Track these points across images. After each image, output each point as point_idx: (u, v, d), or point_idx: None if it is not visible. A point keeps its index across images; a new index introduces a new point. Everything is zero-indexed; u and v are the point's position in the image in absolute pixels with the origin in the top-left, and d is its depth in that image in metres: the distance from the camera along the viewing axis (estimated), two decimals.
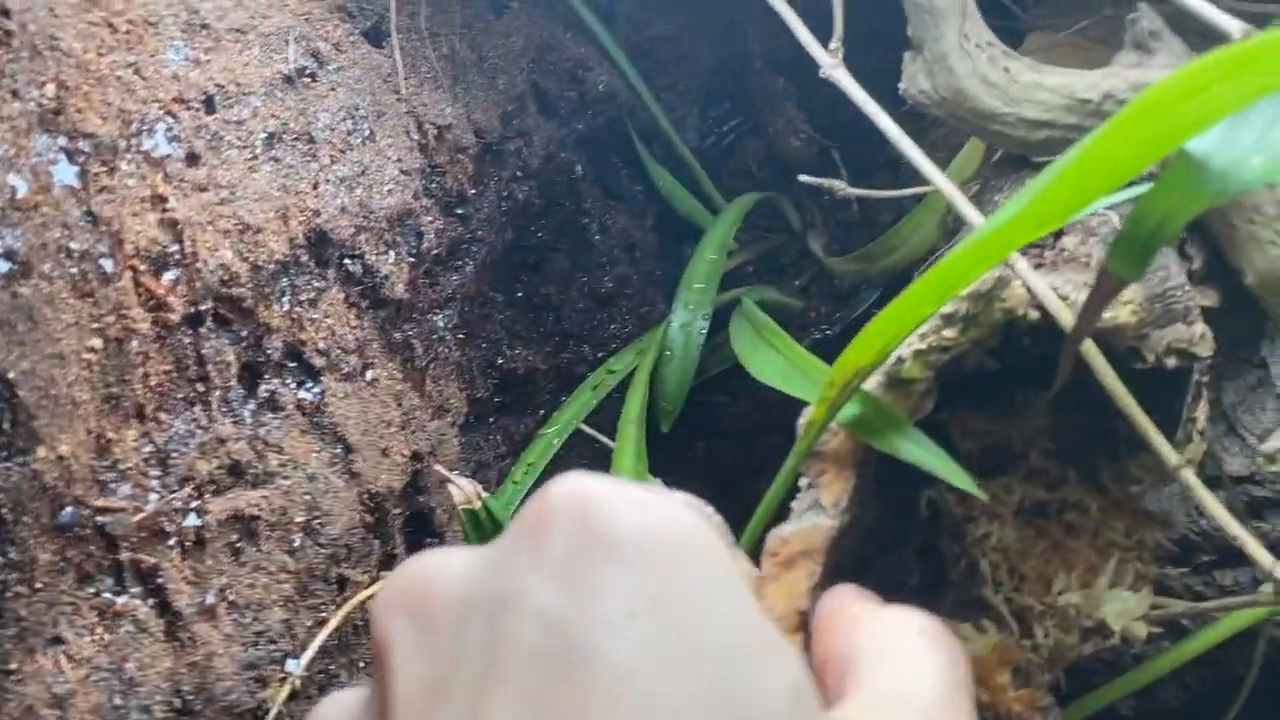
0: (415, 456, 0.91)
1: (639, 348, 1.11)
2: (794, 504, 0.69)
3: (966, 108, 0.78)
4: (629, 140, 1.24)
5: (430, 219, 0.91)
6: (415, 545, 0.95)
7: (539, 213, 1.09)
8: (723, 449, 1.21)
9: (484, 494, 0.84)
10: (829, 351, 1.25)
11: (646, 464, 0.94)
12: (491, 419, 1.07)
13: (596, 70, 1.13)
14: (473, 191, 0.97)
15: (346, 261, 0.84)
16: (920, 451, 0.62)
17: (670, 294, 1.19)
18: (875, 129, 0.88)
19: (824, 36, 0.82)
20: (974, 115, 0.79)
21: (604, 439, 1.02)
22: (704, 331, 1.07)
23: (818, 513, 0.66)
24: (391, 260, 0.87)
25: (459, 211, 0.97)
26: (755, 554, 0.67)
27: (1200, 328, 0.76)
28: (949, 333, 0.69)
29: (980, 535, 0.80)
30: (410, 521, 0.93)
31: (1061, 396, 0.79)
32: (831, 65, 0.77)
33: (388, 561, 0.90)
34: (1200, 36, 0.74)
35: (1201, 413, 0.81)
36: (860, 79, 0.81)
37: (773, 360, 0.84)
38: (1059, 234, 0.80)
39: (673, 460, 1.19)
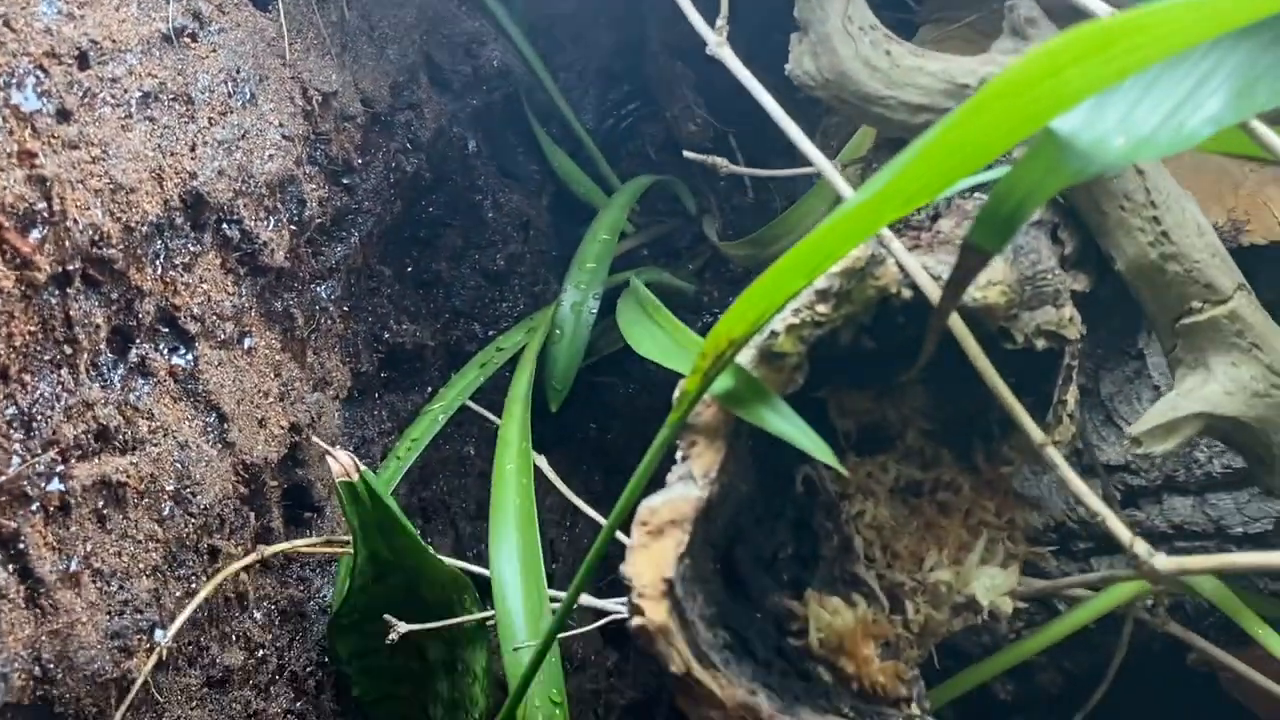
0: (294, 428, 0.89)
1: (529, 326, 1.10)
2: (669, 475, 0.69)
3: (850, 90, 0.79)
4: (525, 118, 1.24)
5: (313, 187, 0.89)
6: (293, 520, 0.94)
7: (430, 187, 1.08)
8: (613, 429, 1.22)
9: (362, 468, 0.83)
10: None
11: (530, 441, 0.94)
12: (377, 394, 1.06)
13: (491, 46, 1.12)
14: (359, 161, 0.96)
15: (224, 226, 0.82)
16: (786, 425, 0.63)
17: (563, 274, 1.19)
18: (771, 116, 0.89)
19: (715, 18, 0.82)
20: (857, 98, 0.80)
21: (490, 416, 1.02)
22: (594, 311, 1.07)
23: (688, 483, 0.66)
24: (271, 227, 0.85)
25: (344, 181, 0.95)
26: (629, 524, 0.67)
27: (1069, 311, 0.78)
28: (822, 308, 0.69)
29: (855, 513, 0.81)
30: (288, 495, 0.92)
31: (938, 377, 0.81)
32: (716, 44, 0.77)
33: (264, 534, 0.89)
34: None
35: (1071, 395, 0.83)
36: (757, 66, 0.81)
37: (655, 335, 0.84)
38: (935, 217, 0.81)
39: (562, 439, 1.19)
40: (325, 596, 0.94)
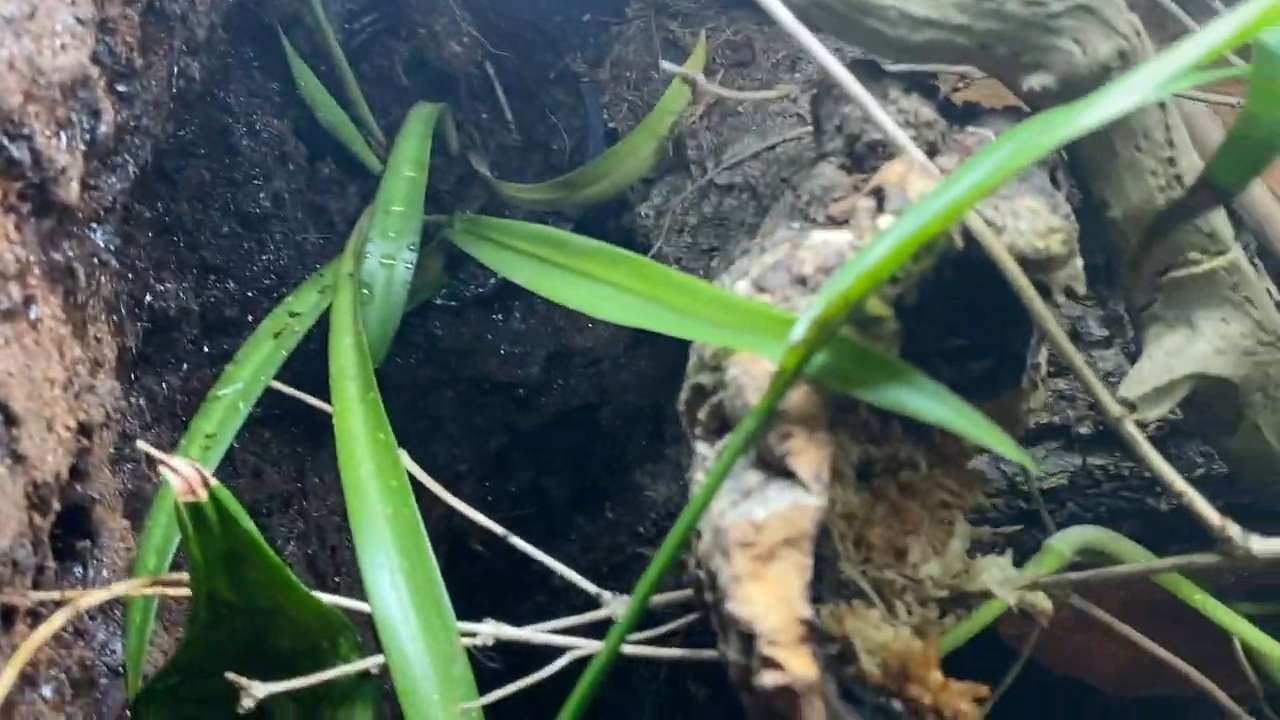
0: (84, 429, 0.64)
1: (322, 283, 0.88)
2: (735, 482, 0.53)
3: None
4: (271, 27, 0.99)
5: (103, 94, 0.64)
6: (66, 552, 0.68)
7: (191, 103, 0.83)
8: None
9: (214, 483, 0.60)
10: (518, 294, 1.09)
11: (390, 431, 0.74)
12: (133, 375, 0.80)
13: None
14: (140, 63, 0.71)
15: (7, 143, 0.56)
16: (943, 409, 0.49)
17: (319, 219, 0.97)
18: (549, 39, 0.74)
19: None
20: (847, 5, 0.66)
21: (312, 400, 0.80)
22: (411, 265, 0.87)
23: (792, 488, 0.51)
24: (64, 146, 0.59)
25: (122, 89, 0.70)
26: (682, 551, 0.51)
27: (1080, 262, 0.70)
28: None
29: (829, 501, 0.68)
30: (61, 519, 0.66)
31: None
32: None
33: (38, 575, 0.63)
34: None
35: (1043, 357, 0.75)
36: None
37: (598, 287, 0.66)
38: (933, 154, 0.70)
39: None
40: (115, 654, 0.70)
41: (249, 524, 0.62)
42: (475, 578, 1.09)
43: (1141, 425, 0.81)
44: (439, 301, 1.01)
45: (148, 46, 0.72)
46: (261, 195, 0.91)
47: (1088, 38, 0.65)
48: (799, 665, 0.47)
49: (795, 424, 0.52)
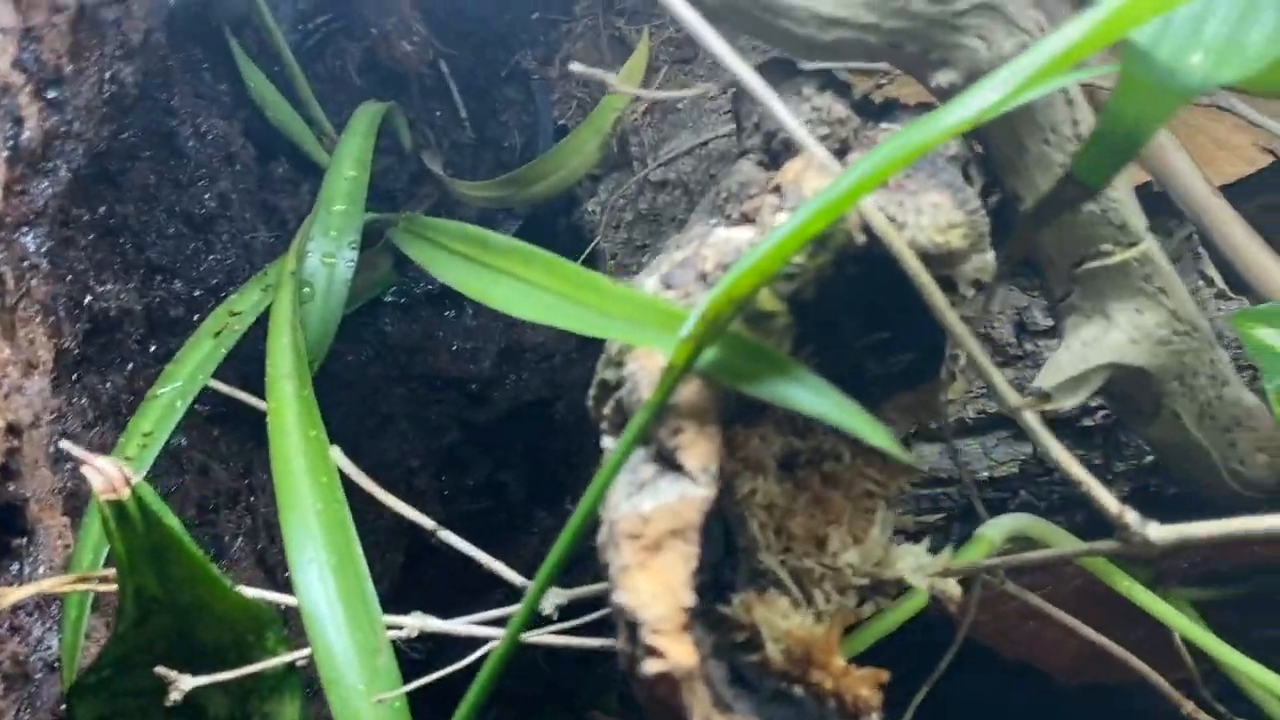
0: (12, 429, 0.66)
1: (265, 282, 0.89)
2: (632, 475, 0.55)
3: None
4: (218, 28, 1.01)
5: (28, 100, 0.65)
6: (1, 552, 0.70)
7: (130, 106, 0.85)
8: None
9: (135, 479, 0.62)
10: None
11: (322, 429, 0.75)
12: (75, 376, 0.82)
13: None
14: (70, 69, 0.72)
15: None
16: (822, 402, 0.51)
17: (269, 217, 0.98)
18: (499, 36, 0.75)
19: None
20: (759, 7, 0.68)
21: (246, 397, 0.81)
22: (352, 263, 0.88)
23: (680, 480, 0.52)
24: None
25: (52, 95, 0.71)
26: (588, 537, 0.53)
27: (991, 254, 0.71)
28: (798, 258, 0.58)
29: (747, 491, 0.70)
30: None
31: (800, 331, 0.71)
32: None
33: None
34: None
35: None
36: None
37: (520, 286, 0.67)
38: (843, 151, 0.71)
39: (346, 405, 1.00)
40: (51, 649, 0.71)
41: (172, 520, 0.64)
42: (434, 574, 1.10)
43: (1057, 414, 0.83)
44: (389, 299, 1.02)
45: (78, 53, 0.74)
46: (207, 196, 0.92)
47: (992, 35, 0.66)
48: (679, 653, 0.48)
49: (686, 418, 0.53)
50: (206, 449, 0.92)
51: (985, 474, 1.09)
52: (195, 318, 0.91)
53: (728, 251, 0.61)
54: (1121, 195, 0.71)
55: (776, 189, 0.63)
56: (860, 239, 0.62)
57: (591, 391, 0.62)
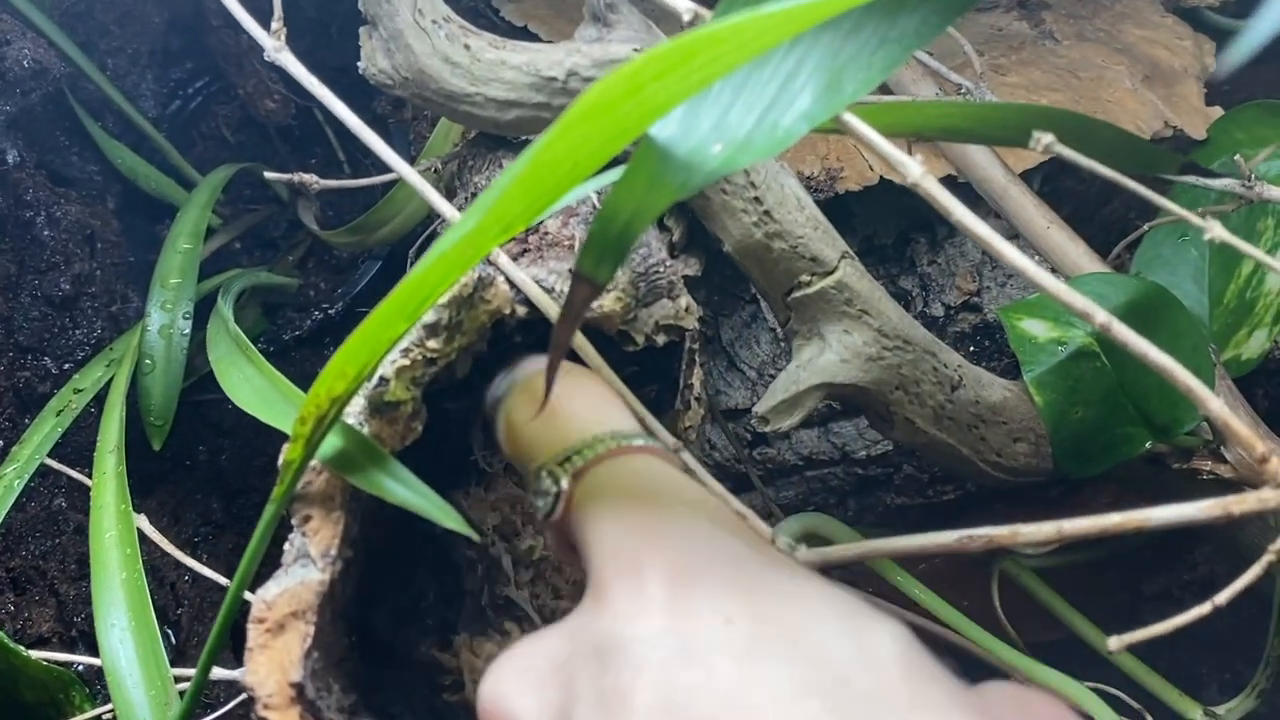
0: None
1: (110, 357, 0.98)
2: (285, 553, 0.62)
3: (432, 89, 0.73)
4: (75, 117, 1.09)
5: None
6: None
7: None
8: (226, 449, 1.11)
9: None
10: (337, 333, 1.18)
11: (130, 502, 0.83)
12: None
13: (18, 44, 0.97)
14: None
15: None
16: (406, 492, 0.57)
17: (145, 286, 1.07)
18: (356, 84, 0.81)
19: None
20: (441, 96, 0.73)
21: (79, 477, 0.90)
22: (186, 333, 0.97)
23: (306, 565, 0.59)
24: None
25: None
26: (242, 623, 0.60)
27: (685, 300, 0.75)
28: (433, 344, 0.63)
29: (525, 548, 0.76)
30: None
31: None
32: (276, 49, 0.68)
33: None
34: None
35: (696, 379, 0.81)
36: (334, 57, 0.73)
37: (252, 380, 0.75)
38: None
39: (170, 473, 1.08)
40: None
41: None
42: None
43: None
44: (261, 346, 1.10)
45: None
46: (62, 280, 1.01)
47: None
48: None
49: (314, 505, 0.60)
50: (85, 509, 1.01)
51: (862, 453, 1.14)
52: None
53: None
54: (807, 231, 0.75)
55: None
56: (521, 311, 0.67)
57: None
